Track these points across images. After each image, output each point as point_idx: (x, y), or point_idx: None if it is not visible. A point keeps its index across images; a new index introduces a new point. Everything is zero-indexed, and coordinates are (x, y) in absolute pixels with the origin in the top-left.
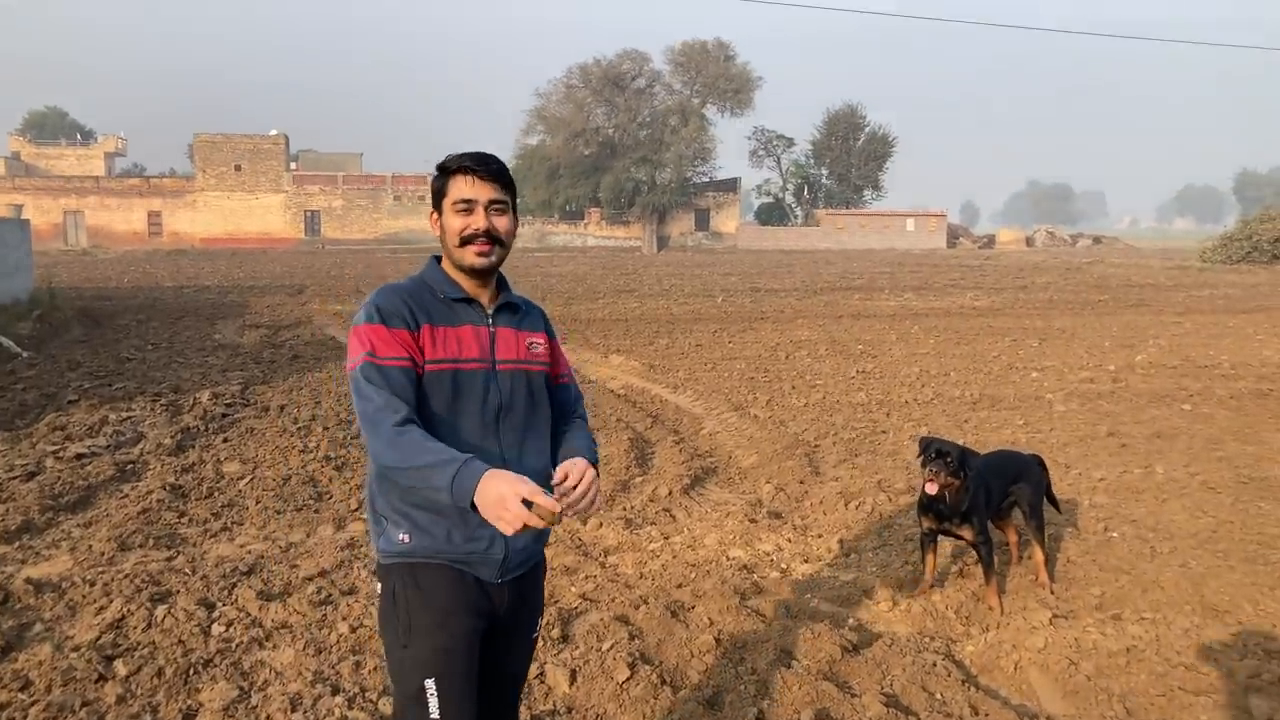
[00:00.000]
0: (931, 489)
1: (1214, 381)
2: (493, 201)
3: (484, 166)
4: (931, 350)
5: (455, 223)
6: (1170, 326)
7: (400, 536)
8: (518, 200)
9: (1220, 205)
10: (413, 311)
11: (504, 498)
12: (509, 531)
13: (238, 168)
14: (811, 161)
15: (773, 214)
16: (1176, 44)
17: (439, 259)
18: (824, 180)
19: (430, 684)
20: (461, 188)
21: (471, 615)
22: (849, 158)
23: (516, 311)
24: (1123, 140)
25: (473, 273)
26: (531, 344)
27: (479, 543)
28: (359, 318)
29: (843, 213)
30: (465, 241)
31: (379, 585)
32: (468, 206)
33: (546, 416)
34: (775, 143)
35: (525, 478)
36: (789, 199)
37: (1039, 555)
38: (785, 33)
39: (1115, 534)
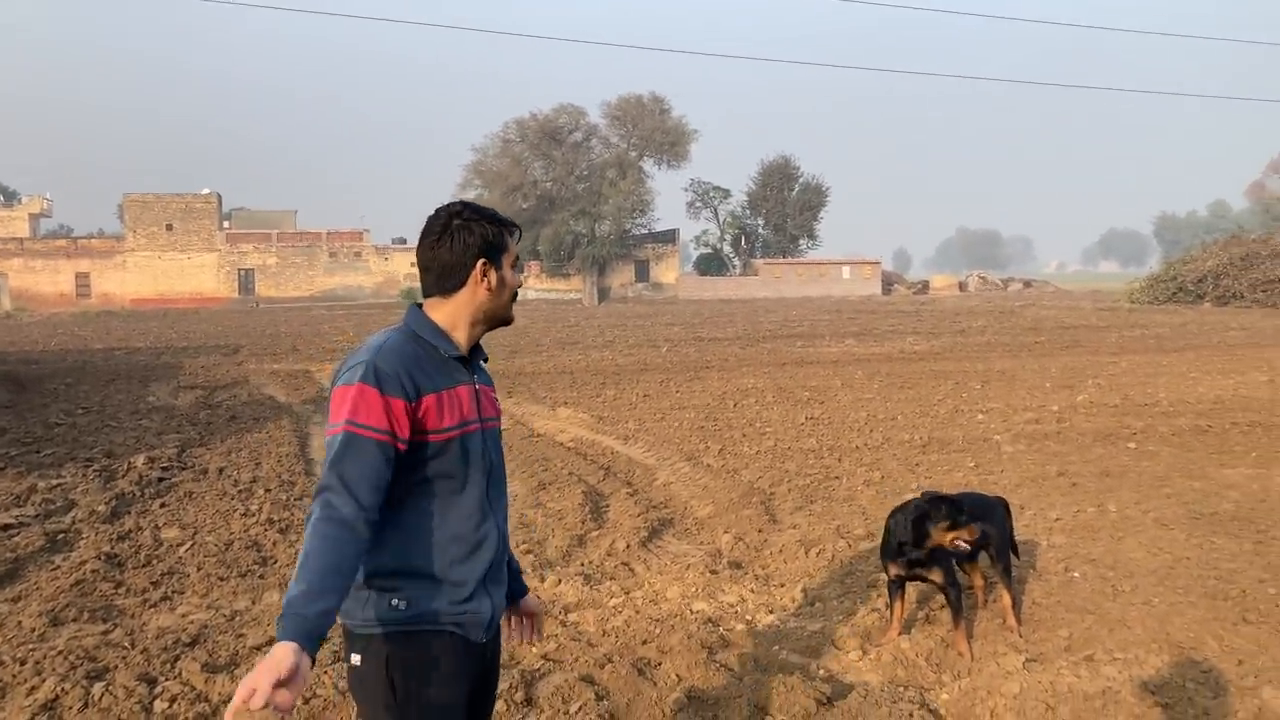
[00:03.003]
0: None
1: (1155, 419)
2: None
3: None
4: (877, 395)
5: (514, 279)
6: (1107, 366)
7: (393, 602)
8: None
9: (1143, 248)
10: (414, 379)
11: (262, 675)
12: (237, 700)
13: (169, 227)
14: (748, 212)
15: (711, 264)
16: (1094, 90)
17: (420, 306)
18: (760, 230)
19: None
20: (514, 246)
21: (463, 681)
22: (784, 208)
23: (481, 368)
24: (1047, 187)
25: (500, 327)
26: (495, 398)
27: (471, 602)
28: (352, 375)
29: (780, 262)
30: (514, 298)
31: (356, 656)
32: (516, 263)
33: None
34: (712, 194)
35: (297, 674)
36: (727, 249)
37: (1006, 599)
38: (716, 86)
39: (1076, 574)
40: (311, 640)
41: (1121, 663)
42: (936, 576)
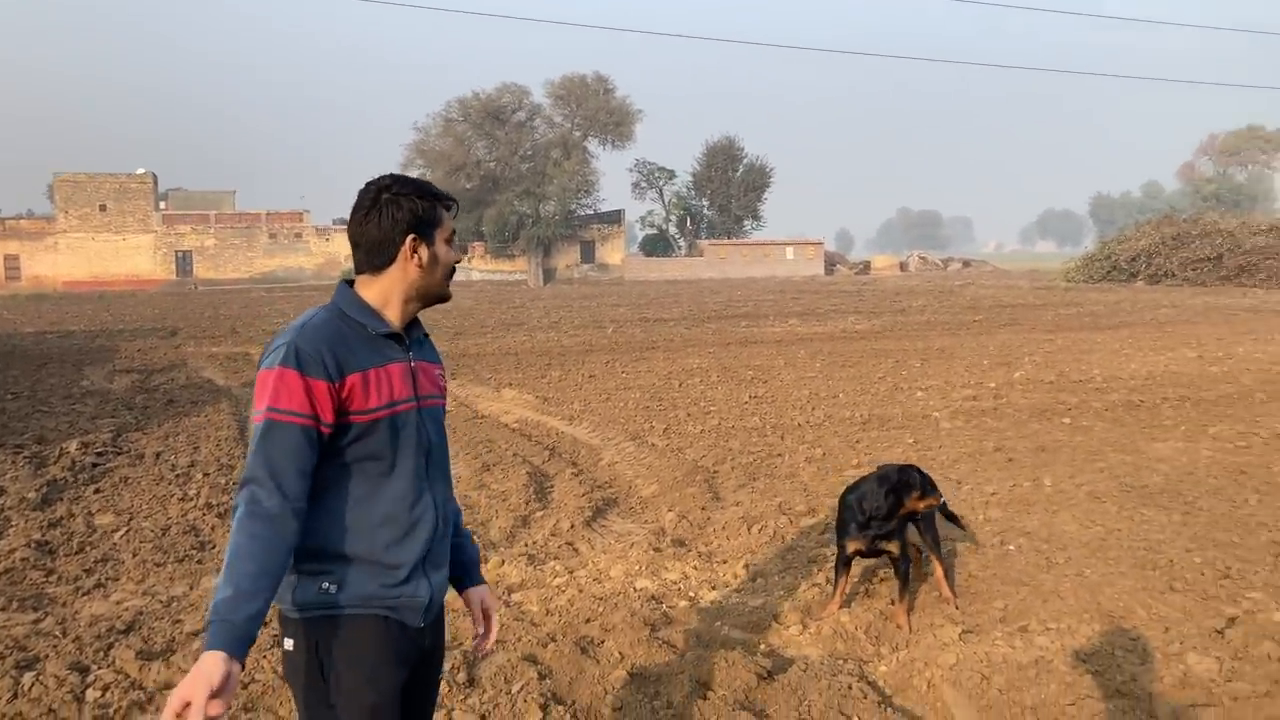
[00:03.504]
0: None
1: (1089, 395)
2: None
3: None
4: (819, 373)
5: (450, 255)
6: (1043, 344)
7: (323, 585)
8: None
9: (1079, 228)
10: (338, 358)
11: (196, 688)
12: (168, 713)
13: (103, 208)
14: (693, 193)
15: (657, 245)
16: (1032, 73)
17: (350, 283)
18: (705, 211)
19: None
20: (449, 221)
21: (398, 667)
22: (729, 189)
23: (424, 343)
24: (986, 169)
25: (434, 303)
26: (439, 375)
27: (407, 587)
28: (273, 359)
29: (725, 243)
30: (450, 274)
31: (289, 641)
32: (452, 239)
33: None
34: (657, 175)
35: (229, 683)
36: (672, 230)
37: (939, 569)
38: (660, 66)
39: (1012, 546)
40: (240, 646)
41: (1054, 633)
42: (894, 548)
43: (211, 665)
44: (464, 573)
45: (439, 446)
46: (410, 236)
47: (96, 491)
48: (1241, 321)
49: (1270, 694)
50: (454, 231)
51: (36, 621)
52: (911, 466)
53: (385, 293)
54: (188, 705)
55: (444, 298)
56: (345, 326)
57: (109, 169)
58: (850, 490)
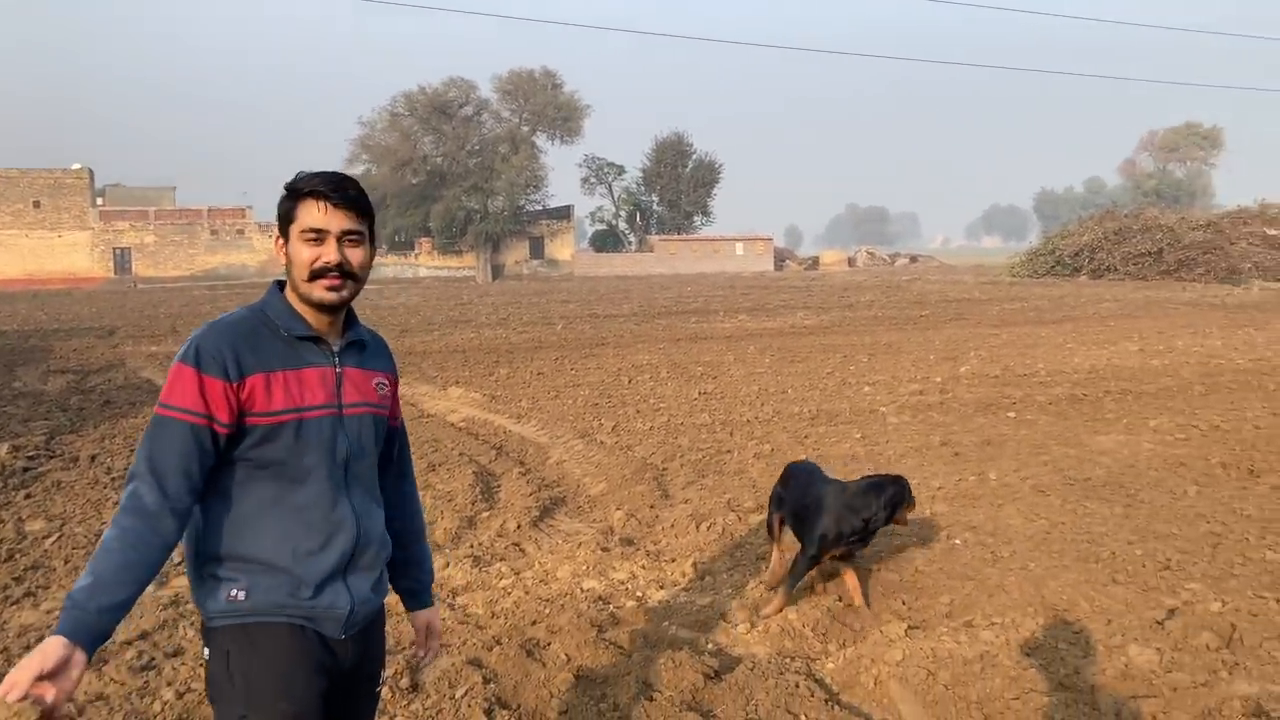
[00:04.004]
0: None
1: (1033, 389)
2: (347, 232)
3: (338, 192)
4: (768, 369)
5: (304, 253)
6: (988, 338)
7: (232, 593)
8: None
9: (1024, 223)
10: (240, 357)
11: (23, 668)
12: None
13: (36, 204)
14: (642, 189)
15: (607, 241)
16: (978, 70)
17: (282, 285)
18: (655, 207)
19: None
20: (312, 215)
21: (316, 675)
22: (678, 184)
23: (364, 349)
24: (933, 165)
25: (320, 308)
26: (379, 384)
27: (322, 597)
28: (178, 354)
29: (675, 238)
30: (315, 275)
31: (206, 650)
32: (318, 236)
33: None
34: (606, 170)
35: (66, 669)
36: (622, 226)
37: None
38: (609, 60)
39: (958, 541)
40: (88, 635)
41: (999, 627)
42: (862, 550)
43: (50, 649)
44: (413, 596)
45: (362, 455)
46: (276, 237)
47: (27, 497)
48: (1181, 315)
49: (1208, 684)
50: (319, 229)
51: None
52: (901, 478)
53: (292, 293)
54: (13, 686)
55: (309, 300)
56: (263, 327)
57: (43, 164)
58: (840, 501)
